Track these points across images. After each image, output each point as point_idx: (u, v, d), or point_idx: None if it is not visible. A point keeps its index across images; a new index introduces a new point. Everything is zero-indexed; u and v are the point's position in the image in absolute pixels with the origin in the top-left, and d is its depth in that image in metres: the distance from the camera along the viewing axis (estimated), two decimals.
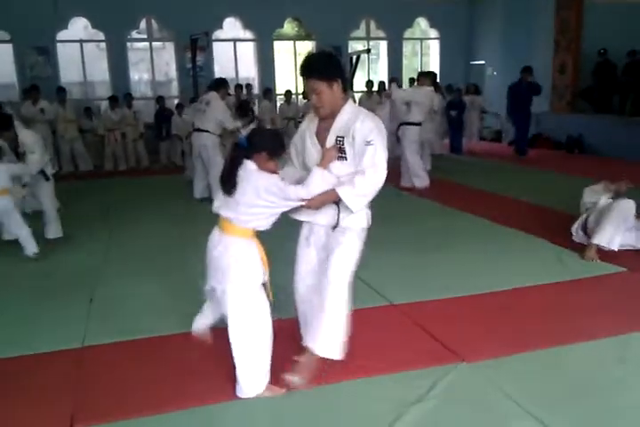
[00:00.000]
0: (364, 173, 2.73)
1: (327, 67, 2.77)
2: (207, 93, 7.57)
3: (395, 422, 2.60)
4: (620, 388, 2.87)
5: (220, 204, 2.77)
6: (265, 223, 2.76)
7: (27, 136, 5.43)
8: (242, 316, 2.73)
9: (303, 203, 2.73)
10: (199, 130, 7.38)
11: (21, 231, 5.12)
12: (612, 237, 4.73)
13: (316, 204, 2.76)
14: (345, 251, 2.90)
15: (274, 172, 2.74)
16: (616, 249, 4.77)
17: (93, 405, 2.81)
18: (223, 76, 10.62)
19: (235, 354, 2.78)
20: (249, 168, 2.68)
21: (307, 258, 3.04)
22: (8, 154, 5.21)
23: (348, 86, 2.88)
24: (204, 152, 7.34)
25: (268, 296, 2.81)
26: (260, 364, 2.79)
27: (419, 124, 8.10)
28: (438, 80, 13.80)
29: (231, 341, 2.77)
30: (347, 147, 2.77)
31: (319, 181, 2.72)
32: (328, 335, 2.89)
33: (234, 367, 2.81)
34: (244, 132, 7.77)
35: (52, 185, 5.83)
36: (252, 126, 7.61)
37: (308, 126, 2.96)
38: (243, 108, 8.14)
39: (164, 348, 3.42)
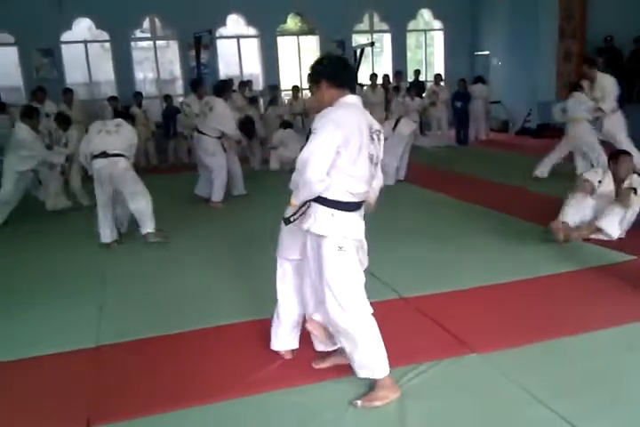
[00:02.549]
0: None
1: (312, 70, 2.86)
2: (210, 97, 7.31)
3: (407, 411, 2.63)
4: (631, 376, 2.88)
5: None
6: None
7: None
8: None
9: None
10: (200, 132, 7.27)
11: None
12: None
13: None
14: (328, 268, 2.73)
15: None
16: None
17: (110, 403, 2.85)
18: (226, 77, 10.68)
19: None
20: None
21: (306, 270, 2.94)
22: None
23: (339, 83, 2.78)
24: (206, 156, 7.24)
25: None
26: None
27: None
28: (443, 72, 13.89)
29: None
30: None
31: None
32: (365, 363, 2.78)
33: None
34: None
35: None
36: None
37: None
38: (247, 128, 8.04)
39: (178, 346, 3.47)
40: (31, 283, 4.75)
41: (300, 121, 12.07)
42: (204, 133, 7.19)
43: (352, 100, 2.79)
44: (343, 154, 2.62)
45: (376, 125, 2.79)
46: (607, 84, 7.47)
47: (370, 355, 2.76)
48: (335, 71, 2.80)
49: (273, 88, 12.29)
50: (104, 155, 5.41)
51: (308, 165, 2.58)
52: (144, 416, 2.72)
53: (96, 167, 5.44)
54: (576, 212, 5.09)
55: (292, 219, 2.78)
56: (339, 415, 2.66)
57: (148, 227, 5.63)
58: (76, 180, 7.46)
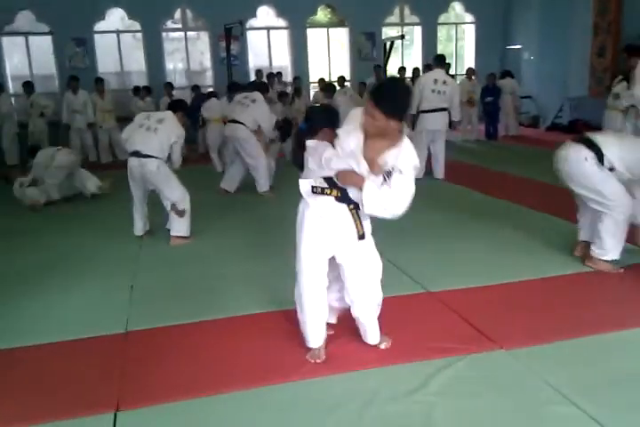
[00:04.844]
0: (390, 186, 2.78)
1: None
2: (252, 92, 7.42)
3: (434, 408, 2.63)
4: None
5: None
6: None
7: None
8: None
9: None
10: (235, 121, 7.24)
11: None
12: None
13: (342, 180, 2.83)
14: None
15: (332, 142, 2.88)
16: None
17: (139, 388, 2.90)
18: (256, 69, 10.68)
19: None
20: (309, 147, 2.93)
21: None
22: None
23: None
24: (240, 145, 7.24)
25: None
26: None
27: None
28: (474, 66, 13.70)
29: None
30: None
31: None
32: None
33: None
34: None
35: None
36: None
37: None
38: (284, 130, 7.88)
39: (208, 333, 3.51)
40: (65, 266, 4.86)
41: None
42: (240, 123, 7.17)
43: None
44: None
45: None
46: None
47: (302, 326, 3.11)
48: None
49: (295, 79, 12.29)
50: (136, 154, 5.26)
51: (405, 206, 2.80)
52: (172, 402, 2.76)
53: (129, 164, 5.35)
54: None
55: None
56: (363, 408, 2.66)
57: (175, 230, 5.46)
58: None
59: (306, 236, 2.95)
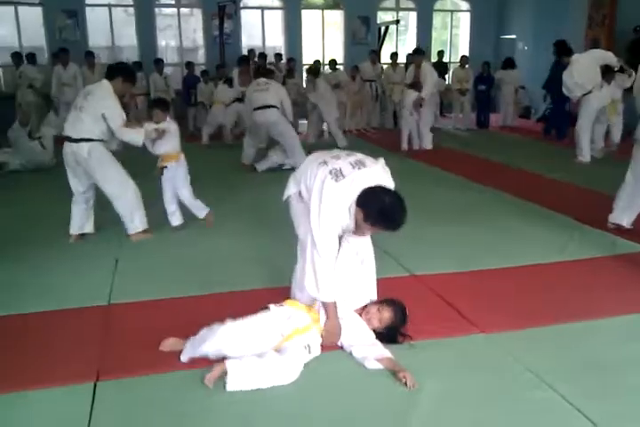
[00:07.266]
0: None
1: None
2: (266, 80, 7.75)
3: (413, 390, 2.64)
4: (636, 365, 2.88)
5: None
6: None
7: None
8: None
9: None
10: (265, 107, 7.43)
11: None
12: None
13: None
14: None
15: None
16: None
17: (120, 359, 2.90)
18: (249, 48, 10.75)
19: None
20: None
21: None
22: None
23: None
24: (274, 128, 7.50)
25: None
26: None
27: None
28: (467, 54, 13.68)
29: None
30: None
31: None
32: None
33: None
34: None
35: None
36: None
37: None
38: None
39: (191, 308, 3.51)
40: (51, 239, 4.83)
41: None
42: (272, 106, 7.42)
43: None
44: None
45: None
46: None
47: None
48: None
49: (290, 61, 12.21)
50: (68, 139, 4.54)
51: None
52: (153, 374, 2.77)
53: (63, 150, 4.62)
54: None
55: None
56: (346, 388, 2.68)
57: (128, 228, 4.78)
58: None
59: None
